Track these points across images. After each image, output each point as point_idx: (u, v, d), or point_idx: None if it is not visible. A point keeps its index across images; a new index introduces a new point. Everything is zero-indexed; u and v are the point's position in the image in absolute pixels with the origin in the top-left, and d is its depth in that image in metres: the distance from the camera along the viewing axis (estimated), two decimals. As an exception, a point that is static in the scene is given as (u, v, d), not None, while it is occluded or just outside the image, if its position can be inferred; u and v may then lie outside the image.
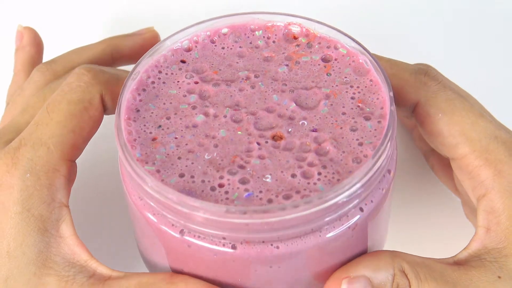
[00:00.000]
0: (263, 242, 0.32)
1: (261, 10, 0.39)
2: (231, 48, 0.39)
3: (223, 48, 0.39)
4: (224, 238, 0.32)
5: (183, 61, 0.38)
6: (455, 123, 0.37)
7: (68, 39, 0.52)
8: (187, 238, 0.33)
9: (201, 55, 0.39)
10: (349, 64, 0.37)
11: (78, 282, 0.35)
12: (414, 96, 0.39)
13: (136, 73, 0.37)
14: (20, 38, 0.49)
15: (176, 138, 0.35)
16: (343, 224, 0.33)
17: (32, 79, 0.44)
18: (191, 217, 0.31)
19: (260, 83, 0.37)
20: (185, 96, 0.36)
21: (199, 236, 0.32)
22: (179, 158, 0.34)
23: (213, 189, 0.33)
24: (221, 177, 0.33)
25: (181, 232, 0.33)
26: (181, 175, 0.33)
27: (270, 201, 0.32)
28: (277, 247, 0.32)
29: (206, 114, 0.36)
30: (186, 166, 0.34)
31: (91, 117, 0.38)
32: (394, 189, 0.37)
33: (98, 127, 0.39)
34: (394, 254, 0.35)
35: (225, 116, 0.35)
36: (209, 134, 0.35)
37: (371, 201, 0.34)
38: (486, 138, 0.37)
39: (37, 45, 0.49)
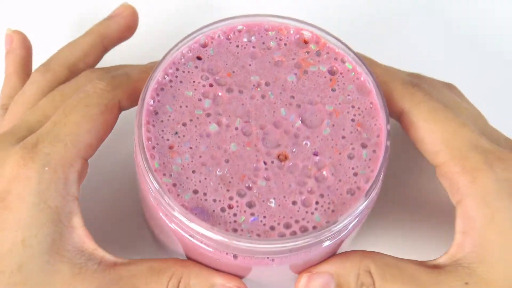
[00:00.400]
0: (261, 255, 0.37)
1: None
2: (244, 47, 0.41)
3: (237, 46, 0.41)
4: (227, 250, 0.37)
5: (199, 58, 0.40)
6: (437, 131, 0.40)
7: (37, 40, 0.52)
8: (194, 241, 0.37)
9: (216, 52, 0.41)
10: (353, 81, 0.40)
11: (90, 269, 0.38)
12: (400, 105, 0.41)
13: (156, 73, 0.39)
14: (10, 42, 0.49)
15: (191, 148, 0.38)
16: (330, 242, 0.38)
17: (32, 80, 0.45)
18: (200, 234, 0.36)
19: (270, 93, 0.40)
20: (200, 100, 0.39)
21: (205, 243, 0.37)
22: (193, 172, 0.37)
23: (223, 210, 0.37)
24: (231, 198, 0.37)
25: (191, 235, 0.37)
26: (195, 192, 0.37)
27: (272, 228, 0.37)
28: (273, 260, 0.37)
29: (219, 124, 0.39)
30: (200, 181, 0.37)
31: (107, 120, 0.40)
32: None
33: (112, 129, 0.41)
34: (363, 255, 0.39)
35: (236, 128, 0.39)
36: (221, 147, 0.38)
37: (357, 220, 0.39)
38: (466, 146, 0.39)
39: (27, 47, 0.49)
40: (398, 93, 0.41)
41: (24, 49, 0.49)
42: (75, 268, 0.38)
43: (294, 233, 0.37)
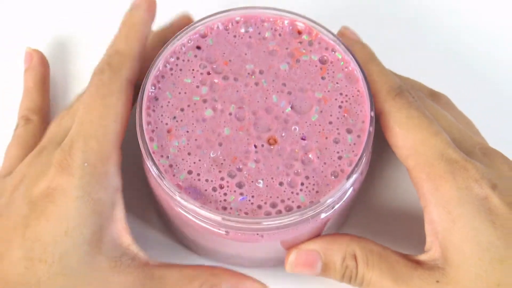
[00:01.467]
0: (250, 231, 0.40)
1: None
2: (241, 38, 0.44)
3: (234, 36, 0.44)
4: (219, 227, 0.40)
5: (198, 47, 0.43)
6: (409, 137, 0.41)
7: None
8: (194, 220, 0.40)
9: (215, 41, 0.43)
10: (342, 69, 0.43)
11: (125, 263, 0.40)
12: (380, 106, 0.43)
13: (157, 61, 0.42)
14: (30, 59, 0.53)
15: (187, 132, 0.41)
16: (316, 221, 0.41)
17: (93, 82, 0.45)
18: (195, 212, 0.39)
19: (263, 80, 0.42)
20: (197, 87, 0.42)
21: (201, 220, 0.40)
22: (189, 154, 0.41)
23: (214, 189, 0.40)
24: (222, 178, 0.40)
25: (186, 212, 0.40)
26: (189, 172, 0.40)
27: (259, 206, 0.40)
28: (262, 236, 0.40)
29: (214, 109, 0.42)
30: (194, 163, 0.40)
31: (124, 103, 0.43)
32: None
33: (132, 108, 0.44)
34: (351, 239, 0.42)
35: (230, 114, 0.42)
36: (216, 131, 0.41)
37: (343, 200, 0.41)
38: (433, 154, 0.40)
39: (45, 65, 0.53)
40: (382, 96, 0.43)
41: (43, 66, 0.53)
42: (111, 261, 0.40)
43: (279, 212, 0.39)
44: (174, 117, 0.42)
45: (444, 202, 0.40)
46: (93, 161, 0.40)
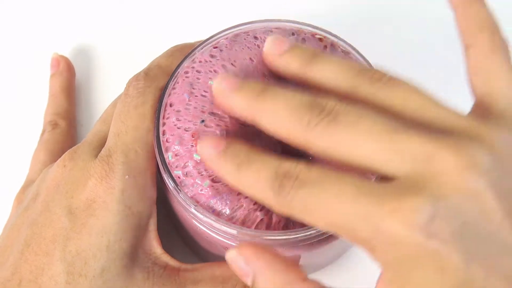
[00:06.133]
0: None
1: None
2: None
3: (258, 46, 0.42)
4: (234, 240, 0.39)
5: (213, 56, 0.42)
6: None
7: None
8: (206, 230, 0.39)
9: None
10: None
11: (156, 274, 0.40)
12: None
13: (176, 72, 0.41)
14: (56, 65, 0.53)
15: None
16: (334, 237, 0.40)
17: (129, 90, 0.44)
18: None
19: None
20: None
21: (213, 232, 0.39)
22: None
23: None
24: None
25: (201, 224, 0.39)
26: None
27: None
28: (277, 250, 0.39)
29: None
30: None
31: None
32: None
33: None
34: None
35: None
36: None
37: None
38: None
39: (72, 70, 0.54)
40: None
41: (69, 71, 0.54)
42: (144, 272, 0.40)
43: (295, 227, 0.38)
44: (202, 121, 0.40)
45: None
46: (133, 173, 0.40)
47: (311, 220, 0.30)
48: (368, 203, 0.28)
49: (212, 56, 0.41)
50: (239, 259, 0.32)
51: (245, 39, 0.42)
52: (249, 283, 0.32)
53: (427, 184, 0.28)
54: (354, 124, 0.30)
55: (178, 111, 0.40)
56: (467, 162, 0.28)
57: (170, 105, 0.40)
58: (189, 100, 0.40)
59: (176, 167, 0.39)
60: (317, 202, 0.29)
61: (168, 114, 0.40)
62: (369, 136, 0.30)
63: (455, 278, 0.27)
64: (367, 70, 0.33)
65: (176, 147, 0.39)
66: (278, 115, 0.32)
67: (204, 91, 0.40)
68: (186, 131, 0.39)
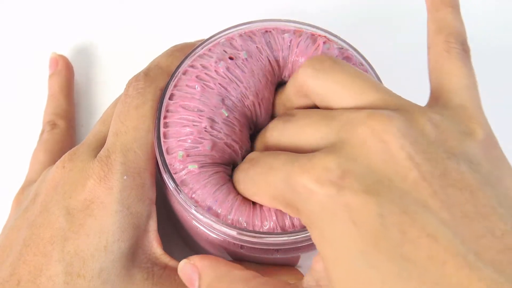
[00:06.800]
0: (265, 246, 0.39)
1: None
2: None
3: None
4: (234, 241, 0.39)
5: (231, 58, 0.42)
6: None
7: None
8: (206, 231, 0.40)
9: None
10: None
11: (156, 274, 0.40)
12: None
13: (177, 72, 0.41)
14: (55, 64, 0.53)
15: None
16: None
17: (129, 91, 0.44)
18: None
19: None
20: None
21: (213, 233, 0.39)
22: None
23: None
24: None
25: (204, 227, 0.40)
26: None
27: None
28: (277, 251, 0.39)
29: None
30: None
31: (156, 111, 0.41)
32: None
33: None
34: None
35: None
36: None
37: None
38: None
39: (71, 70, 0.54)
40: None
41: (68, 71, 0.54)
42: (144, 273, 0.40)
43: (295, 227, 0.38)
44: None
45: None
46: (131, 173, 0.40)
47: (259, 197, 0.36)
48: (288, 168, 0.31)
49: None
50: (187, 266, 0.37)
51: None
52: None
53: (344, 146, 0.30)
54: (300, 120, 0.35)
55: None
56: (385, 126, 0.30)
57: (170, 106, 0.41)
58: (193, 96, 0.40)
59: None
60: (260, 177, 0.35)
61: (168, 114, 0.40)
62: (309, 124, 0.34)
63: (369, 230, 0.27)
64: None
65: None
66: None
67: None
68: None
